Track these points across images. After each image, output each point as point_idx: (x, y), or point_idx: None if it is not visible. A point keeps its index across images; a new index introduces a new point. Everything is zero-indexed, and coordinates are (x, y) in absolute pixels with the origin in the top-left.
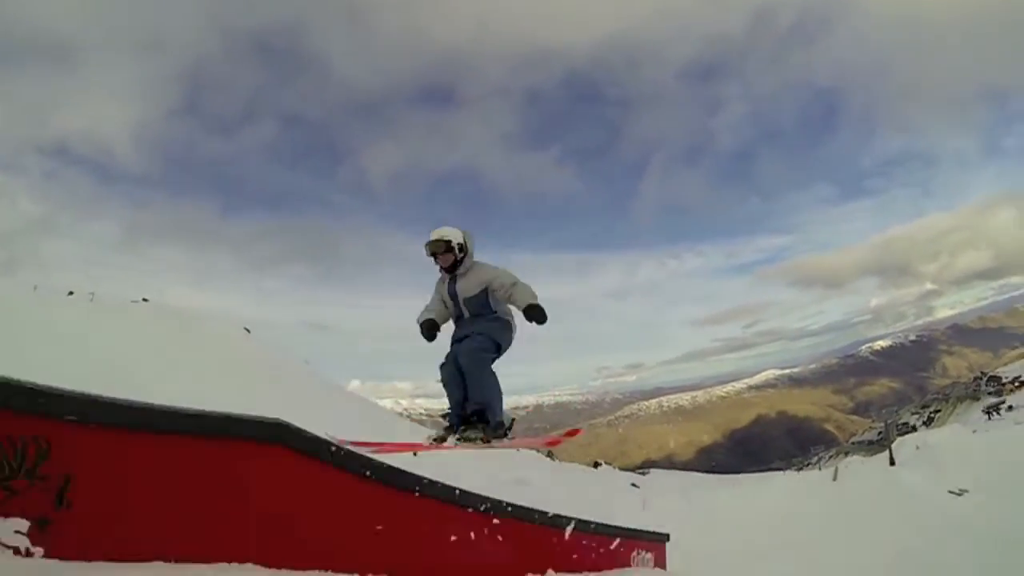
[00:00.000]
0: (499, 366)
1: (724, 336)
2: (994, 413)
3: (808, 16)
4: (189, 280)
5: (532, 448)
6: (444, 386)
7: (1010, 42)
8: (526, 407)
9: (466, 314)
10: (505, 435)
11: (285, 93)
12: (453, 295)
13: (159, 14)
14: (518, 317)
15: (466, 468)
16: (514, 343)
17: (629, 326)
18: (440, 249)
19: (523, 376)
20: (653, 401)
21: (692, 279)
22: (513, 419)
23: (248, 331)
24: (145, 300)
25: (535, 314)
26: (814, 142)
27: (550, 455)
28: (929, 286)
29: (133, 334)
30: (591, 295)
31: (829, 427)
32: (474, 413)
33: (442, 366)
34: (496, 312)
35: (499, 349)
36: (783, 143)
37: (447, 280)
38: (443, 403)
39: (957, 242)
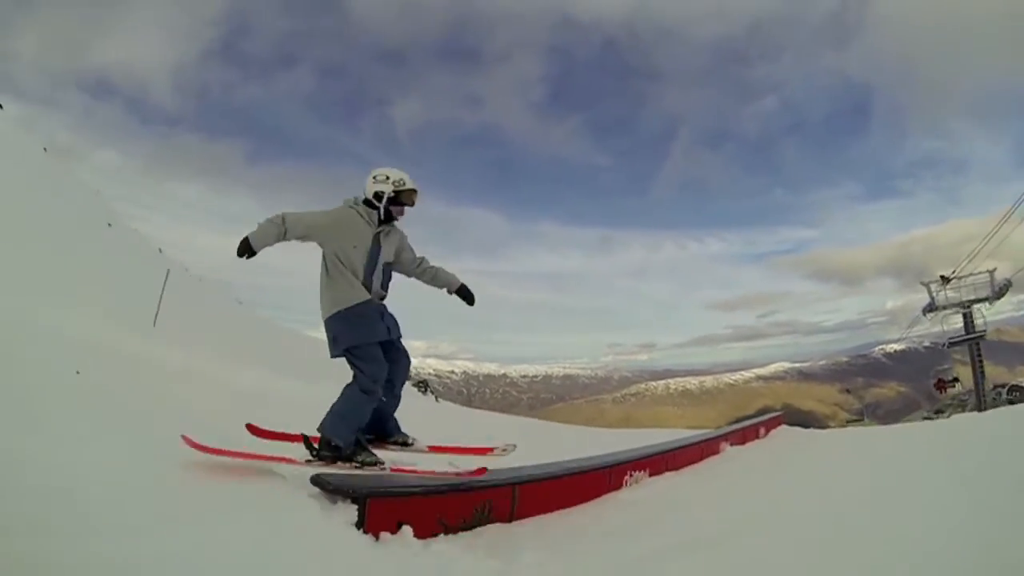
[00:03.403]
0: (499, 332)
1: (738, 323)
2: None
3: (845, 7)
4: (211, 223)
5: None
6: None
7: None
8: (535, 376)
9: (377, 286)
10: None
11: (315, 41)
12: (374, 256)
13: None
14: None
15: None
16: (526, 311)
17: (645, 305)
18: (414, 198)
19: (536, 345)
20: (661, 382)
21: (713, 263)
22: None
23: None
24: None
25: (468, 294)
26: (845, 138)
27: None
28: (950, 294)
29: None
30: (611, 271)
31: (833, 425)
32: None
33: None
34: None
35: None
36: (812, 136)
37: (375, 232)
38: (453, 365)
39: (981, 252)
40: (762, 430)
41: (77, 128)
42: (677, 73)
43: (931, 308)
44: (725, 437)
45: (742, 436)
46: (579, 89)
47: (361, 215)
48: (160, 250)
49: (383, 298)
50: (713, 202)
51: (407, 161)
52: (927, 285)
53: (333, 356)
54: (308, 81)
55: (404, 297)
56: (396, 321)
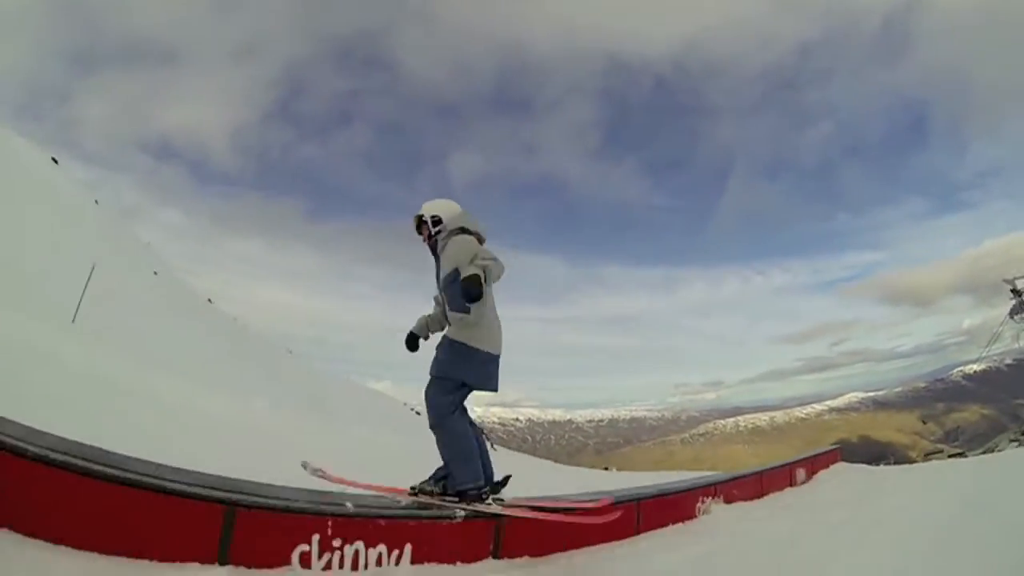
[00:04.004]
0: (563, 378)
1: (808, 355)
2: None
3: (890, 23)
4: (272, 279)
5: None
6: None
7: None
8: (600, 420)
9: (441, 308)
10: (480, 499)
11: (369, 99)
12: (437, 276)
13: (256, 21)
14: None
15: None
16: (591, 355)
17: (711, 342)
18: (416, 225)
19: (601, 389)
20: (730, 420)
21: (778, 295)
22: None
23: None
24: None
25: (465, 288)
26: (904, 154)
27: (606, 467)
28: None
29: None
30: (675, 310)
31: (914, 455)
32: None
33: None
34: (465, 317)
35: (461, 385)
36: (871, 156)
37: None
38: (517, 413)
39: None
40: (800, 472)
41: (142, 189)
42: (729, 106)
43: (1021, 308)
44: (712, 489)
45: (757, 484)
46: (632, 131)
47: None
48: (210, 300)
49: (450, 318)
50: (774, 233)
51: (467, 211)
52: (1012, 282)
53: None
54: (364, 138)
55: None
56: (437, 352)
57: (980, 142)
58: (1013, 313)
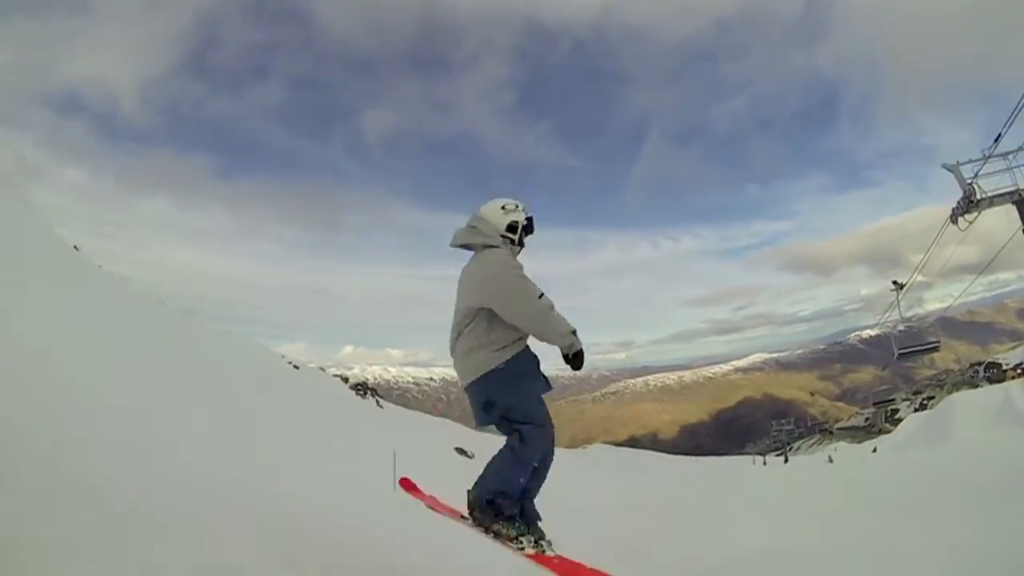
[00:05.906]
0: None
1: (715, 318)
2: None
3: (813, 5)
4: (181, 239)
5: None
6: None
7: (1006, 39)
8: None
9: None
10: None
11: (283, 53)
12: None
13: None
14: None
15: None
16: None
17: (622, 304)
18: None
19: None
20: (640, 379)
21: (688, 260)
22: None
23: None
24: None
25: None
26: (814, 132)
27: None
28: (919, 278)
29: None
30: (586, 272)
31: (814, 411)
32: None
33: None
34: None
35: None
36: (782, 131)
37: None
38: (431, 372)
39: (947, 235)
40: None
41: (45, 147)
42: (646, 74)
43: (965, 207)
44: None
45: None
46: (548, 93)
47: None
48: (76, 247)
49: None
50: (686, 200)
51: (379, 170)
52: (955, 169)
53: None
54: (277, 93)
55: (372, 307)
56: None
57: (885, 126)
58: (956, 215)
